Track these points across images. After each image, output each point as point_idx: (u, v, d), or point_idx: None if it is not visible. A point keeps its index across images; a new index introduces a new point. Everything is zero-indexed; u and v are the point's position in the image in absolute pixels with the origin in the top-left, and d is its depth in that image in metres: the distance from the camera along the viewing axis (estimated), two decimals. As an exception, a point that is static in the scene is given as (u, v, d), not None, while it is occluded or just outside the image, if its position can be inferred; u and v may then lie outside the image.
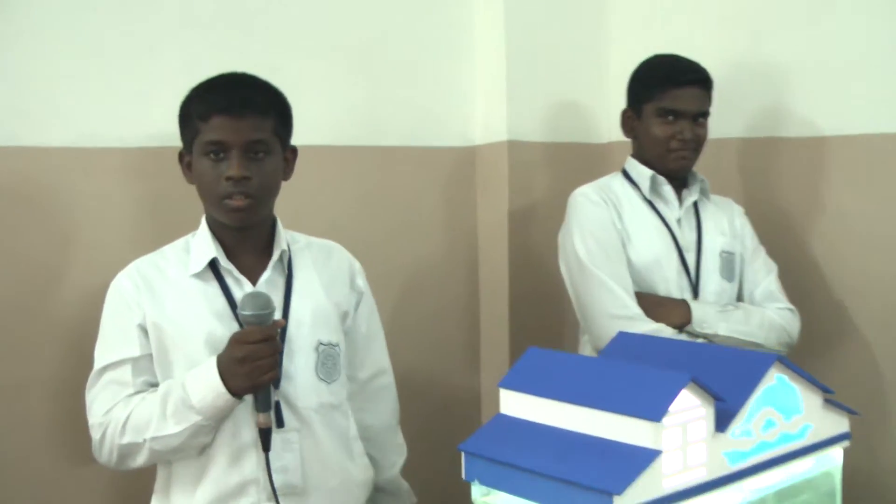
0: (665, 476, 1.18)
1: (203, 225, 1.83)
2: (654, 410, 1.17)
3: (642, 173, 2.27)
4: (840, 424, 1.47)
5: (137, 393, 1.74)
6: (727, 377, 1.31)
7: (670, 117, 2.20)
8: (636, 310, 2.14)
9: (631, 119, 2.30)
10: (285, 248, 1.84)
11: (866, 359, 2.42)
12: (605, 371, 1.30)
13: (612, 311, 2.14)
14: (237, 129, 1.72)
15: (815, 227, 2.52)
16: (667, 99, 2.19)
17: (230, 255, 1.81)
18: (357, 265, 1.98)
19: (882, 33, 2.37)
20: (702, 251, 2.24)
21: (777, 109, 2.57)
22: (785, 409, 1.36)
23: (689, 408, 1.21)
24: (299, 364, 1.79)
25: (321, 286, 1.87)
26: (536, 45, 2.78)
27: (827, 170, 2.48)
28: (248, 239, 1.82)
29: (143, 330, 1.77)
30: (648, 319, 2.12)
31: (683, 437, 1.21)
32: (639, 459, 1.16)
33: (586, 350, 2.26)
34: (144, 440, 1.69)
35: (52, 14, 2.07)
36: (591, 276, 2.18)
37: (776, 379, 1.34)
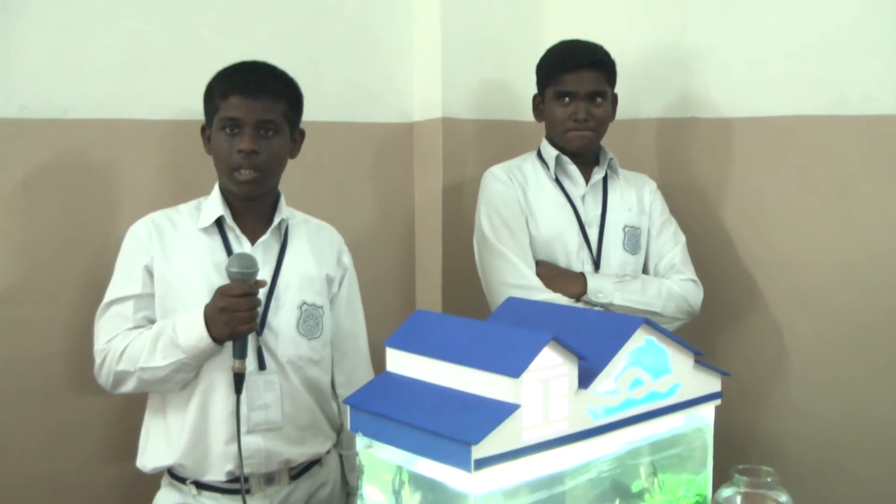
0: (526, 429, 1.23)
1: (216, 189, 1.98)
2: (514, 368, 1.22)
3: (550, 154, 2.33)
4: (711, 385, 1.52)
5: (136, 328, 1.89)
6: (598, 339, 1.35)
7: (566, 99, 2.25)
8: (534, 280, 2.21)
9: (539, 103, 2.36)
10: (285, 217, 1.99)
11: (771, 329, 2.48)
12: (479, 332, 1.35)
13: (510, 281, 2.21)
14: (251, 109, 1.87)
15: (726, 204, 2.56)
16: (561, 82, 2.25)
17: (236, 218, 1.96)
18: (345, 246, 2.13)
19: (786, 26, 2.43)
20: (605, 226, 2.29)
21: (692, 92, 2.62)
22: (653, 370, 1.41)
23: (551, 366, 1.26)
24: (282, 319, 1.94)
25: (311, 255, 2.02)
26: (472, 24, 2.81)
27: (736, 149, 2.53)
28: (253, 206, 1.97)
29: (149, 272, 1.91)
30: (545, 289, 2.18)
31: (545, 392, 1.25)
32: (497, 412, 1.21)
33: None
34: (135, 369, 1.84)
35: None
36: (493, 250, 2.26)
37: (645, 341, 1.39)
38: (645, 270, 2.33)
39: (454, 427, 1.20)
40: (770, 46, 2.44)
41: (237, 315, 1.75)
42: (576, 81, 2.23)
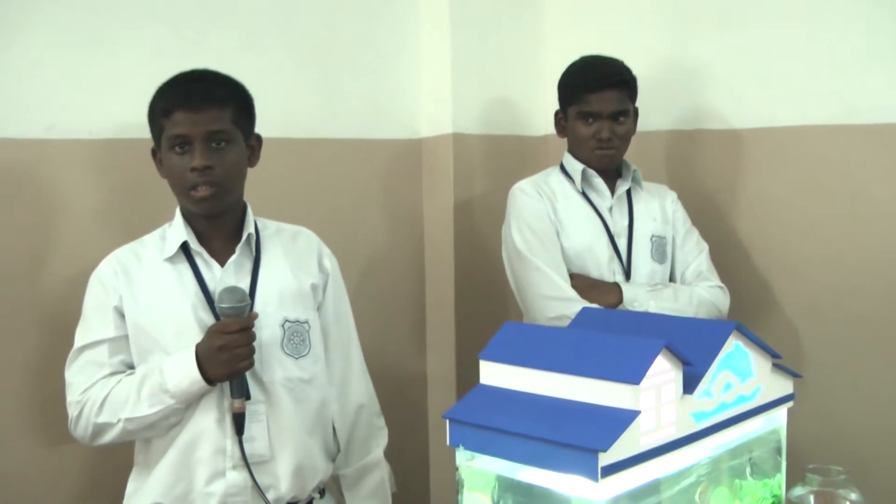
0: (642, 434, 1.22)
1: (178, 214, 1.83)
2: (633, 374, 1.20)
3: (575, 168, 2.32)
4: (785, 387, 1.53)
5: (114, 373, 1.75)
6: (691, 344, 1.34)
7: (589, 119, 2.24)
8: (570, 292, 2.19)
9: (561, 120, 2.35)
10: (252, 231, 1.84)
11: (787, 335, 2.50)
12: (582, 340, 1.32)
13: (547, 293, 2.20)
14: (196, 122, 1.73)
15: (738, 213, 2.59)
16: (584, 103, 2.23)
17: (202, 240, 1.81)
18: (325, 249, 1.97)
19: (792, 36, 2.46)
20: (633, 236, 2.29)
21: (700, 105, 2.64)
22: (741, 373, 1.41)
23: (662, 372, 1.24)
24: (264, 340, 1.78)
25: (288, 267, 1.87)
26: (479, 43, 2.80)
27: (746, 160, 2.55)
28: (218, 225, 1.82)
29: (120, 312, 1.77)
30: (582, 300, 2.17)
31: (657, 398, 1.24)
32: (621, 419, 1.19)
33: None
34: (119, 420, 1.71)
35: (17, 7, 2.05)
36: (527, 263, 2.24)
37: (734, 345, 1.38)
38: (671, 279, 2.34)
39: (578, 435, 1.16)
40: (777, 57, 2.47)
41: (236, 352, 1.66)
42: (599, 101, 2.22)
